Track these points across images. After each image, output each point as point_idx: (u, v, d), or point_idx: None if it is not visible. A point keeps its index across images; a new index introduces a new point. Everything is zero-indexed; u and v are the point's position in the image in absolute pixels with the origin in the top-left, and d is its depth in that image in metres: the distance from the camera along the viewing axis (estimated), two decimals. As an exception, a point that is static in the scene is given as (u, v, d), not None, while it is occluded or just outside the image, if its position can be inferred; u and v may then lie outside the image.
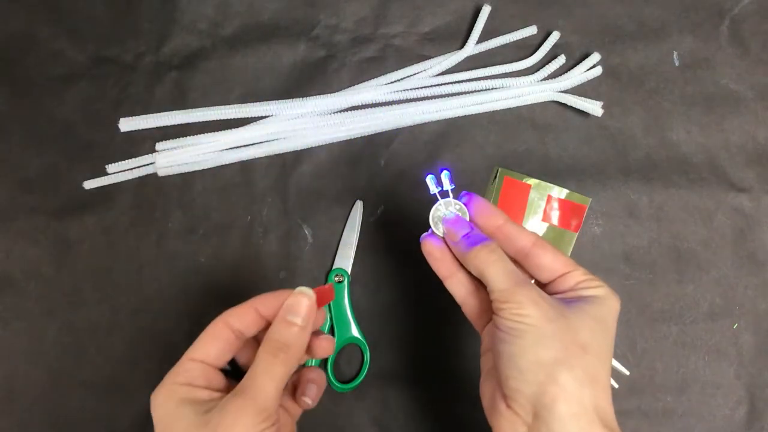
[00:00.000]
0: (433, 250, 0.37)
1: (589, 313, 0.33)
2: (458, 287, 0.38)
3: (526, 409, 0.31)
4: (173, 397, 0.32)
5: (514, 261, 0.36)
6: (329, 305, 0.49)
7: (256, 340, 0.35)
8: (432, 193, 0.38)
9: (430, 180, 0.38)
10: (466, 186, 0.51)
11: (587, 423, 0.30)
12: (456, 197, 0.38)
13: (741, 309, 0.49)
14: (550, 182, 0.50)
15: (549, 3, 0.53)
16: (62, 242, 0.50)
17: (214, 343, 0.34)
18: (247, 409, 0.31)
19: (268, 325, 0.34)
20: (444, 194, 0.38)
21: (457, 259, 0.37)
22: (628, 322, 0.49)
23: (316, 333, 0.36)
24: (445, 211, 0.37)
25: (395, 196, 0.51)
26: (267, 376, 0.32)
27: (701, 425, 0.48)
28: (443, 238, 0.37)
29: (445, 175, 0.38)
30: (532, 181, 0.50)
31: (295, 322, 0.33)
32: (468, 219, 0.37)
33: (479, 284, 0.36)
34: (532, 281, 0.37)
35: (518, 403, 0.32)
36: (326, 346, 0.37)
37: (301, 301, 0.34)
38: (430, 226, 0.38)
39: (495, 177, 0.51)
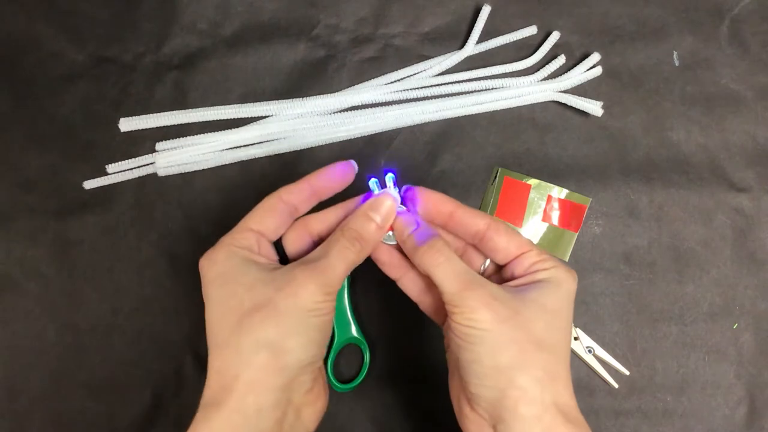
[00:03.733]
0: (380, 255, 0.38)
1: (542, 303, 0.32)
2: (411, 287, 0.38)
3: (490, 412, 0.32)
4: (234, 255, 0.33)
5: (472, 245, 0.37)
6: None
7: (312, 238, 0.37)
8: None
9: (373, 183, 0.37)
10: (467, 185, 0.51)
11: (550, 421, 0.30)
12: (399, 193, 0.37)
13: (741, 309, 0.49)
14: (550, 182, 0.50)
15: (549, 3, 0.53)
16: (62, 242, 0.50)
17: (271, 216, 0.35)
18: (315, 279, 0.32)
19: (319, 201, 0.36)
20: None
21: (406, 258, 0.37)
22: (628, 322, 0.49)
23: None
24: (377, 192, 0.37)
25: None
26: (340, 257, 0.33)
27: (701, 425, 0.48)
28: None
29: (389, 178, 0.37)
30: (532, 181, 0.50)
31: (375, 220, 0.35)
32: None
33: (431, 281, 0.36)
34: (488, 261, 0.37)
35: (481, 406, 0.32)
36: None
37: (385, 201, 0.35)
38: None
39: (495, 177, 0.51)
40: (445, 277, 0.33)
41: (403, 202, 0.37)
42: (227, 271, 0.33)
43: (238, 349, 0.31)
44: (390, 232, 0.37)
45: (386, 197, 0.35)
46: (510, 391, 0.31)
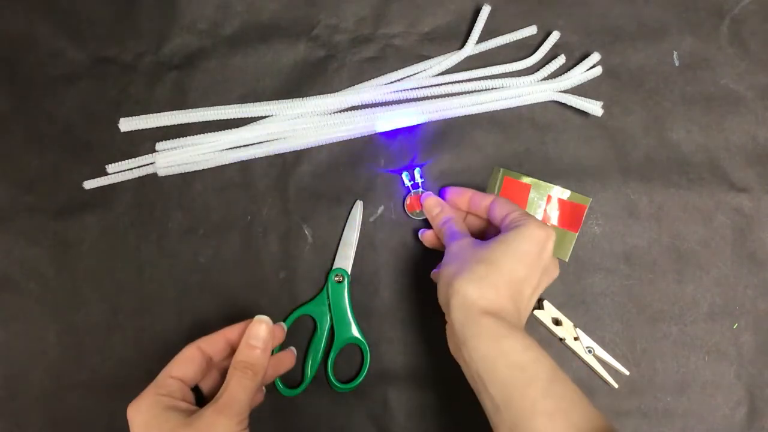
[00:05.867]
0: (428, 241, 0.49)
1: (501, 239, 0.41)
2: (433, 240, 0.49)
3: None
4: (158, 404, 0.38)
5: (483, 218, 0.47)
6: (329, 304, 0.49)
7: (218, 371, 0.43)
8: (406, 186, 0.50)
9: (405, 176, 0.50)
10: (467, 185, 0.51)
11: (467, 309, 0.38)
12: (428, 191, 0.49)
13: (741, 309, 0.49)
14: (550, 182, 0.50)
15: (549, 3, 0.53)
16: (62, 242, 0.50)
17: (189, 365, 0.40)
18: (225, 413, 0.37)
19: (233, 352, 0.41)
20: (416, 186, 0.50)
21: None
22: (628, 322, 0.49)
23: (283, 351, 0.46)
24: (407, 182, 0.50)
25: (395, 196, 0.51)
26: (239, 388, 0.38)
27: (701, 425, 0.48)
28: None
29: (417, 171, 0.50)
30: (532, 181, 0.50)
31: (257, 345, 0.40)
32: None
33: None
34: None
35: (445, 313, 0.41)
36: (288, 360, 0.46)
37: (261, 327, 0.40)
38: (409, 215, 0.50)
39: (495, 177, 0.51)
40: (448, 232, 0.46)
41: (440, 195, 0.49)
42: (150, 420, 0.37)
43: None
44: (417, 211, 0.50)
45: (260, 323, 0.41)
46: (448, 290, 0.40)
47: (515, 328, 0.37)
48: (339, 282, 0.49)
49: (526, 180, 0.50)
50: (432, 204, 0.48)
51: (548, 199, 0.50)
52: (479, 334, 0.37)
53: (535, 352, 0.37)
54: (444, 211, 0.47)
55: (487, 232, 0.48)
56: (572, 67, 0.51)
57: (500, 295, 0.39)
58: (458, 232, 0.45)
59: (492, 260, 0.40)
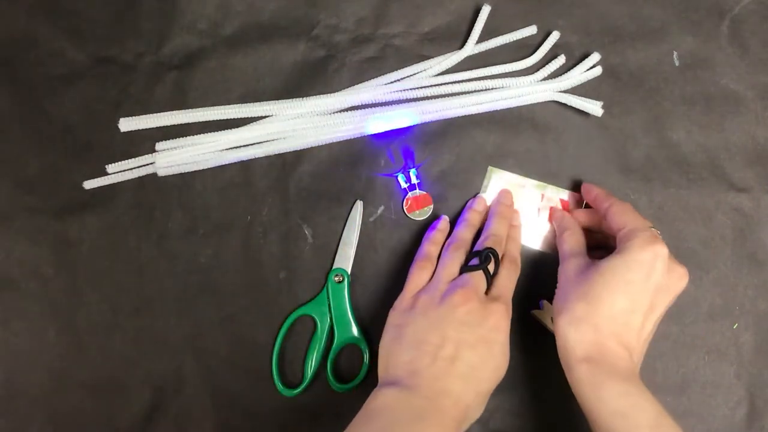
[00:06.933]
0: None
1: (603, 269, 0.39)
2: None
3: None
4: None
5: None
6: (329, 304, 0.49)
7: None
8: (403, 188, 0.50)
9: (401, 178, 0.49)
10: (467, 186, 0.51)
11: (566, 355, 0.39)
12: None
13: (741, 309, 0.49)
14: (550, 182, 0.50)
15: (549, 3, 0.53)
16: (62, 242, 0.50)
17: None
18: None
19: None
20: (412, 188, 0.50)
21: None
22: (628, 322, 0.49)
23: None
24: (404, 184, 0.50)
25: (395, 196, 0.51)
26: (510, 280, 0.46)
27: (701, 425, 0.48)
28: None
29: (413, 172, 0.49)
30: (532, 182, 0.50)
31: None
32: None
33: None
34: None
35: None
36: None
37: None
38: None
39: (488, 177, 0.51)
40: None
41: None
42: None
43: None
44: (417, 211, 0.50)
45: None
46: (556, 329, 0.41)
47: (612, 374, 0.37)
48: (339, 282, 0.49)
49: (520, 180, 0.50)
50: (556, 215, 0.49)
51: (542, 198, 0.50)
52: (579, 382, 0.38)
53: (634, 397, 0.37)
54: (564, 221, 0.47)
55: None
56: (572, 67, 0.51)
57: (601, 335, 0.38)
58: (569, 251, 0.44)
59: (591, 297, 0.39)
